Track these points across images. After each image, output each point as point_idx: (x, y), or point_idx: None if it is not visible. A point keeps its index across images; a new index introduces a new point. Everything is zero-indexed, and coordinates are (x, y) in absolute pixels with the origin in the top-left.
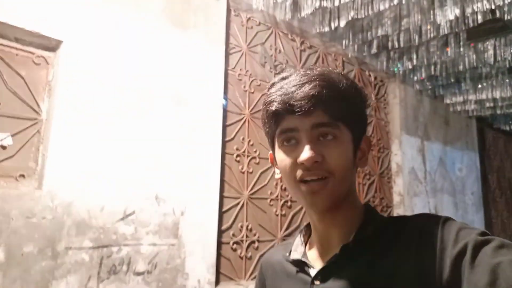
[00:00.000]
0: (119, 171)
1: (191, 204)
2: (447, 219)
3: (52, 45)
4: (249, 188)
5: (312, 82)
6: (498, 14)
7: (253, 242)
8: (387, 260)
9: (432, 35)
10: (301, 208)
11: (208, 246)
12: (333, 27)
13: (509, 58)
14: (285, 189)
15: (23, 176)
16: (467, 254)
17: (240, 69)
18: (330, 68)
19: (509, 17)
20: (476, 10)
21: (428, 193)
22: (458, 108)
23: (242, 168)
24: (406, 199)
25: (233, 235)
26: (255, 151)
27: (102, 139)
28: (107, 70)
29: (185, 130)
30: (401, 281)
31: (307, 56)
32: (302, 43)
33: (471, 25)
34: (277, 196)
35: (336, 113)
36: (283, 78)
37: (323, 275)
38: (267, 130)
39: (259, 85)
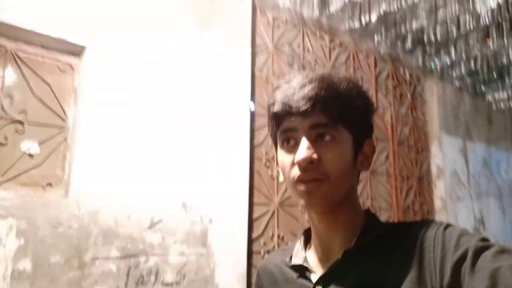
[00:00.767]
0: (146, 178)
1: (219, 212)
2: (448, 225)
3: (77, 51)
4: (280, 195)
5: (312, 83)
6: None
7: None
8: (389, 266)
9: (471, 27)
10: None
11: (238, 256)
12: (363, 23)
13: None
14: None
15: (50, 184)
16: (467, 259)
17: (267, 70)
18: (333, 72)
19: None
20: None
21: (473, 197)
22: (502, 105)
23: (272, 174)
24: (448, 204)
25: (264, 243)
26: None
27: (128, 146)
28: (133, 75)
29: (211, 135)
30: (404, 287)
31: (337, 54)
32: (331, 41)
33: None
34: None
35: (335, 114)
36: (287, 81)
37: (325, 280)
38: (270, 132)
39: None
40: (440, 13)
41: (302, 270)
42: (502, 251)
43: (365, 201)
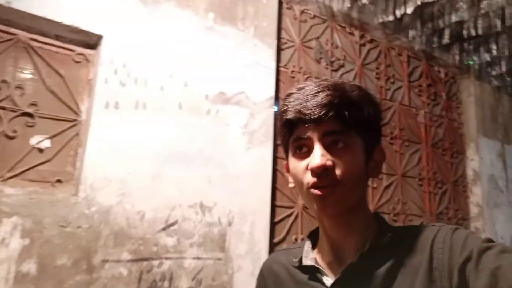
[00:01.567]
0: (161, 175)
1: (239, 214)
2: (457, 228)
3: (92, 42)
4: None
5: (325, 91)
6: None
7: None
8: (401, 269)
9: None
10: None
11: (258, 261)
12: (398, 16)
13: None
14: None
15: (60, 181)
16: (472, 260)
17: (293, 66)
18: (345, 79)
19: None
20: None
21: (511, 204)
22: None
23: None
24: (485, 210)
25: None
26: None
27: (143, 142)
28: (150, 67)
29: (232, 132)
30: None
31: (367, 51)
32: (361, 36)
33: None
34: None
35: (348, 122)
36: (299, 89)
37: (340, 283)
38: (282, 139)
39: None
40: (484, 4)
41: (312, 272)
42: (504, 251)
43: (395, 206)
